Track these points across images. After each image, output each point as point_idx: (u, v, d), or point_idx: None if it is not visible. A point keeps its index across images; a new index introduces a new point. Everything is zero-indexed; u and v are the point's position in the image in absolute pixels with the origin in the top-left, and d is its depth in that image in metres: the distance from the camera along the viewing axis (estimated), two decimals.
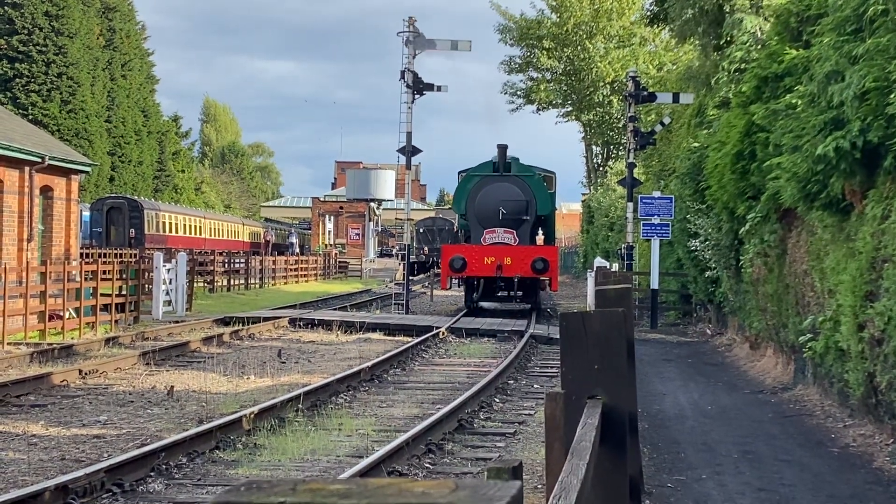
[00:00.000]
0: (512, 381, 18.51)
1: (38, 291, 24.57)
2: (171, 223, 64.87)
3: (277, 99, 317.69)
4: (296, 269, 58.34)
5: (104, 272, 27.84)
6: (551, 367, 20.04)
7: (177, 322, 29.09)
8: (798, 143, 13.27)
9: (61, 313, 25.58)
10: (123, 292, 28.46)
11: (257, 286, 49.74)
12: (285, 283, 54.22)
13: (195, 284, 38.14)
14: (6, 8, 64.72)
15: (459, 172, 35.85)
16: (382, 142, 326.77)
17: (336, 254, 76.23)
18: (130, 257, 39.89)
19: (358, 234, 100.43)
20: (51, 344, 22.50)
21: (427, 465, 11.67)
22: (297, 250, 79.66)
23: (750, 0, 24.99)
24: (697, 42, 30.19)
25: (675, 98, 34.44)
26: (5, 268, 23.83)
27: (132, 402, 15.80)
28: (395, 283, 45.18)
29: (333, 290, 50.34)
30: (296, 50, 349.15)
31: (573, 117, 67.46)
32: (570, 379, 4.65)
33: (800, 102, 14.05)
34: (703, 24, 27.32)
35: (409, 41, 35.35)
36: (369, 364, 18.95)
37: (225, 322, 28.91)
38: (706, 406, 15.14)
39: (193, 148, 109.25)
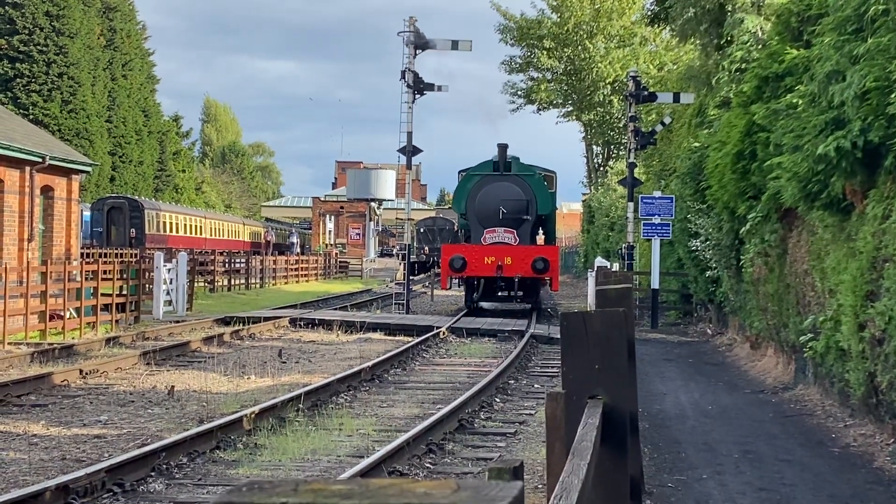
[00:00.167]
0: (512, 381, 18.50)
1: (38, 291, 24.58)
2: (171, 223, 64.85)
3: (278, 99, 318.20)
4: (296, 269, 58.34)
5: (105, 272, 27.84)
6: (552, 367, 20.04)
7: (177, 322, 29.09)
8: (799, 143, 13.27)
9: (62, 313, 25.58)
10: (124, 292, 28.46)
11: (258, 286, 49.74)
12: (286, 283, 54.24)
13: (196, 284, 38.16)
14: (7, 8, 64.71)
15: (460, 172, 35.75)
16: (383, 141, 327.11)
17: (336, 254, 76.25)
18: (131, 257, 39.88)
19: (358, 234, 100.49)
20: (51, 344, 22.50)
21: (428, 465, 11.66)
22: (298, 250, 79.71)
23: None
24: (698, 42, 30.16)
25: (676, 98, 34.42)
26: (6, 267, 23.83)
27: (133, 401, 15.80)
28: (396, 283, 45.14)
29: (334, 289, 50.36)
30: (296, 50, 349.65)
31: (574, 117, 67.42)
32: (570, 379, 4.65)
33: (800, 102, 14.05)
34: (705, 24, 27.29)
35: (410, 41, 35.33)
36: (370, 364, 18.94)
37: (225, 322, 28.91)
38: (707, 406, 15.14)
39: (194, 148, 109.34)
